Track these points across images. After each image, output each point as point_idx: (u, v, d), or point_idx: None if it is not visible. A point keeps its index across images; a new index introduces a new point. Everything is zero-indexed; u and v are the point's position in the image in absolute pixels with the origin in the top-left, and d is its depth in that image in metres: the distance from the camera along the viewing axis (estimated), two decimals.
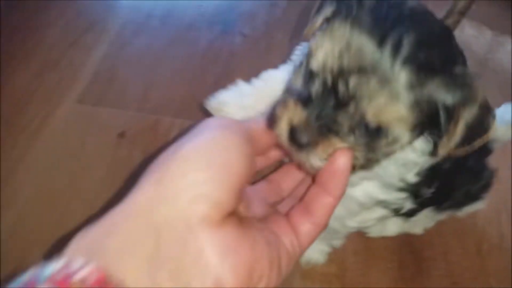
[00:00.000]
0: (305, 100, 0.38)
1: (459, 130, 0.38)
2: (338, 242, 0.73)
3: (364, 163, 0.40)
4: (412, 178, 0.53)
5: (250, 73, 1.04)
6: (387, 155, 0.41)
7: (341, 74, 0.36)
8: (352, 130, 0.37)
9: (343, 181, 0.36)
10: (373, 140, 0.38)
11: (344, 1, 0.39)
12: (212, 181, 0.28)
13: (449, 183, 0.63)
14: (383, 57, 0.35)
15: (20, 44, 1.06)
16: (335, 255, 0.74)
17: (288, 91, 0.42)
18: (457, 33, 1.18)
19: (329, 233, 0.63)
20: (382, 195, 0.55)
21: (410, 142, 0.40)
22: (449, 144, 0.39)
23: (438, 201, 0.66)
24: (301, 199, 0.36)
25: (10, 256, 0.70)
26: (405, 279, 0.73)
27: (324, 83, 0.37)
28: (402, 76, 0.35)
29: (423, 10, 0.40)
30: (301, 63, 0.42)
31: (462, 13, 1.13)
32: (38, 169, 0.82)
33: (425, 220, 0.72)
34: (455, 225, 0.80)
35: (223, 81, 1.02)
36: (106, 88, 0.98)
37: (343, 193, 0.36)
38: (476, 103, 0.38)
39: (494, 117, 0.40)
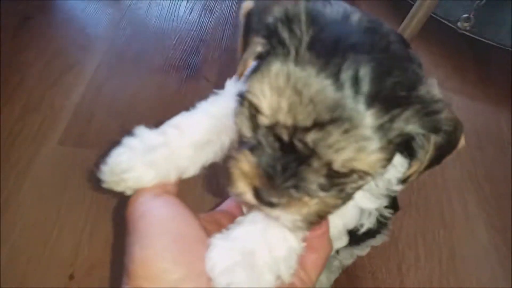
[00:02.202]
0: (258, 152, 0.36)
1: (430, 154, 0.37)
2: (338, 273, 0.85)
3: (339, 204, 0.38)
4: (396, 186, 0.48)
5: None
6: (361, 186, 0.39)
7: (296, 130, 0.33)
8: (320, 183, 0.35)
9: (325, 241, 0.42)
10: (344, 181, 0.36)
11: (275, 37, 0.35)
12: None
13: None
14: (342, 101, 0.31)
15: (2, 86, 1.16)
16: None
17: (238, 139, 0.40)
18: None
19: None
20: (369, 204, 0.49)
21: (384, 171, 0.37)
22: (420, 167, 0.39)
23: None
24: None
25: (9, 283, 0.81)
26: None
27: (279, 139, 0.34)
28: (368, 119, 0.32)
29: (370, 23, 0.35)
30: (241, 104, 0.38)
31: None
32: (28, 206, 0.93)
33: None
34: (380, 249, 0.98)
35: None
36: (85, 130, 1.10)
37: (328, 251, 0.43)
38: (444, 126, 0.36)
39: (462, 130, 0.39)
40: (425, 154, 0.37)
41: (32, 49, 1.28)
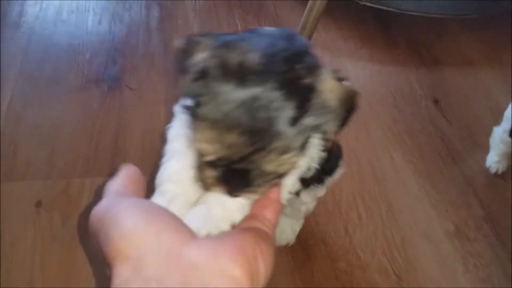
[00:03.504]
0: (215, 168, 0.44)
1: (335, 130, 0.45)
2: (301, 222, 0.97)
3: (280, 180, 0.46)
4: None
5: (143, 126, 1.19)
6: (292, 168, 0.46)
7: (231, 162, 0.41)
8: (263, 178, 0.44)
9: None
10: (278, 174, 0.45)
11: (197, 88, 0.41)
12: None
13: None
14: (258, 135, 0.39)
15: None
16: None
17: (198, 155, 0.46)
18: None
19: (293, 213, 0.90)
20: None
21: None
22: (331, 137, 0.48)
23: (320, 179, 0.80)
24: None
25: None
26: (298, 267, 0.96)
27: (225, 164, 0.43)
28: (279, 141, 0.40)
29: (265, 59, 0.40)
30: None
31: None
32: None
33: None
34: (327, 215, 1.05)
35: (120, 138, 1.16)
36: (13, 163, 1.06)
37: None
38: (341, 110, 0.43)
39: (356, 95, 0.46)
40: (329, 134, 0.46)
41: None
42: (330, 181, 0.85)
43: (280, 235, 0.99)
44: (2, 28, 1.43)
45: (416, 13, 1.58)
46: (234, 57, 0.40)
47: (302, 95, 0.40)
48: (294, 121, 0.40)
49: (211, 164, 0.43)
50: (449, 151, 1.26)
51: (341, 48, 1.56)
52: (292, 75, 0.41)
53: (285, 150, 0.40)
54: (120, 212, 0.37)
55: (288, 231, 0.98)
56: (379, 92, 1.41)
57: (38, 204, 0.99)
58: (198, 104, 0.41)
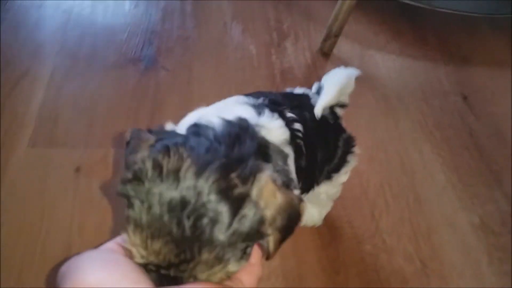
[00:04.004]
0: (148, 271, 0.41)
1: (274, 239, 0.42)
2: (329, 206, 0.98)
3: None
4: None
5: (177, 104, 1.23)
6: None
7: (160, 268, 0.39)
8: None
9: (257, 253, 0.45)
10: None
11: (131, 190, 0.40)
12: None
13: (311, 174, 0.75)
14: (184, 247, 0.37)
15: None
16: None
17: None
18: (335, 51, 1.47)
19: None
20: None
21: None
22: (272, 249, 0.43)
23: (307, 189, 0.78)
24: None
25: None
26: (324, 245, 0.98)
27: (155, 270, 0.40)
28: (205, 255, 0.37)
29: (198, 171, 0.39)
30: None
31: (337, 35, 1.44)
32: (9, 213, 0.93)
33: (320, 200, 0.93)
34: (353, 201, 1.07)
35: (156, 114, 1.20)
36: (53, 130, 1.10)
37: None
38: (278, 215, 0.41)
39: (302, 200, 0.44)
40: (268, 244, 0.42)
41: None
42: (346, 169, 0.85)
43: (307, 218, 1.01)
44: (44, 8, 1.48)
45: (446, 10, 1.59)
46: (169, 163, 0.39)
47: (234, 204, 0.38)
48: (225, 230, 0.37)
49: (144, 266, 0.40)
50: (477, 146, 1.27)
51: (372, 41, 1.58)
52: (225, 184, 0.38)
53: (215, 261, 0.38)
54: (80, 263, 0.37)
55: (316, 215, 1.01)
56: (408, 86, 1.42)
57: (78, 169, 1.03)
58: (129, 206, 0.39)
